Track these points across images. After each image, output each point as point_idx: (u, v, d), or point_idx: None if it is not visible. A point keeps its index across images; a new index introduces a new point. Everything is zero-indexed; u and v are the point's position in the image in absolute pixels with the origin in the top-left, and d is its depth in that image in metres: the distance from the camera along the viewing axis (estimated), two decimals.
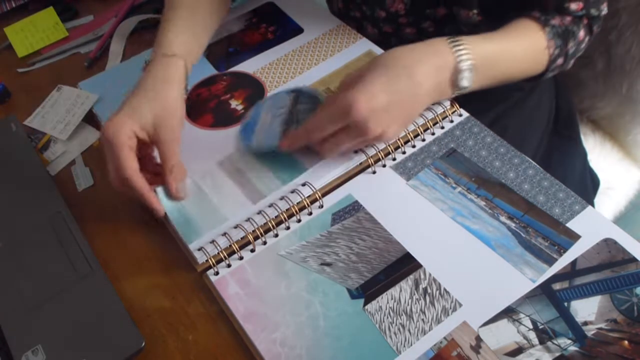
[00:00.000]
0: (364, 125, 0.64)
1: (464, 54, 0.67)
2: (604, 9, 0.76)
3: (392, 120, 0.66)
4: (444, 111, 0.73)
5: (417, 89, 0.66)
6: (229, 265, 0.63)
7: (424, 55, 0.67)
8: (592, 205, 0.64)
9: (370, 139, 0.66)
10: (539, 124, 0.95)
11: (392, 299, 0.59)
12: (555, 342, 0.55)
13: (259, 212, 0.66)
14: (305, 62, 0.83)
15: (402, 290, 0.60)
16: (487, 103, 0.89)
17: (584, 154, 0.99)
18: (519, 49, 0.73)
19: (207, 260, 0.64)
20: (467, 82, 0.68)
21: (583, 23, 0.75)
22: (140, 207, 0.68)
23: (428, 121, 0.72)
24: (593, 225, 0.62)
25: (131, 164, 0.64)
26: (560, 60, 0.76)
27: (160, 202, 0.67)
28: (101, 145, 0.66)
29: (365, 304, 0.59)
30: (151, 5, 0.99)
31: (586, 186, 0.97)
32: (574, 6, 0.73)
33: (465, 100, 0.74)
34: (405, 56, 0.67)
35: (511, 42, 0.73)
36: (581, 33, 0.75)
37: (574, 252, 0.60)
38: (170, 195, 0.67)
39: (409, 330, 0.57)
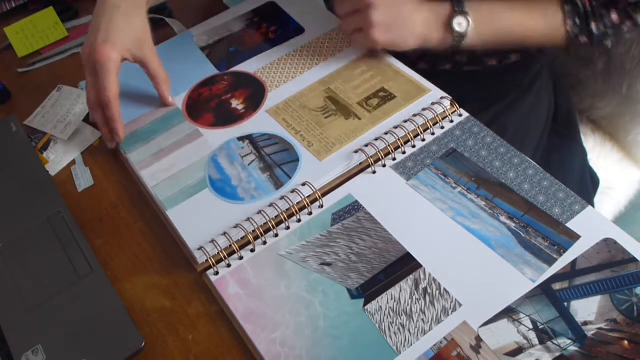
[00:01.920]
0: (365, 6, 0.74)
1: (462, 4, 0.75)
2: None
3: (383, 20, 0.74)
4: (444, 111, 0.73)
5: (414, 12, 0.76)
6: (229, 265, 0.63)
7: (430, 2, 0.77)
8: (592, 204, 0.64)
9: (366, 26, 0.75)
10: (538, 123, 0.95)
11: (392, 299, 0.59)
12: (555, 342, 0.55)
13: (259, 212, 0.66)
14: (307, 62, 0.83)
15: (402, 290, 0.60)
16: (485, 102, 0.89)
17: (583, 154, 0.99)
18: (531, 14, 0.77)
19: (207, 260, 0.64)
20: (461, 27, 0.75)
21: (618, 7, 0.76)
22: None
23: (428, 121, 0.72)
24: (593, 225, 0.62)
25: (116, 88, 0.72)
26: (583, 39, 0.77)
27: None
28: (86, 65, 0.73)
29: (365, 304, 0.59)
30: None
31: (586, 186, 0.97)
32: None
33: (464, 98, 0.74)
34: None
35: (523, 6, 0.77)
36: (614, 16, 0.76)
37: (574, 252, 0.60)
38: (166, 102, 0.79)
39: (409, 330, 0.57)
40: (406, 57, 0.81)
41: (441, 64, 0.90)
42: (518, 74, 0.92)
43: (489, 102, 0.90)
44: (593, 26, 0.76)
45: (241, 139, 0.75)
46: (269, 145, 0.73)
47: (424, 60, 0.90)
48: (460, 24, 0.75)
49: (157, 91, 0.79)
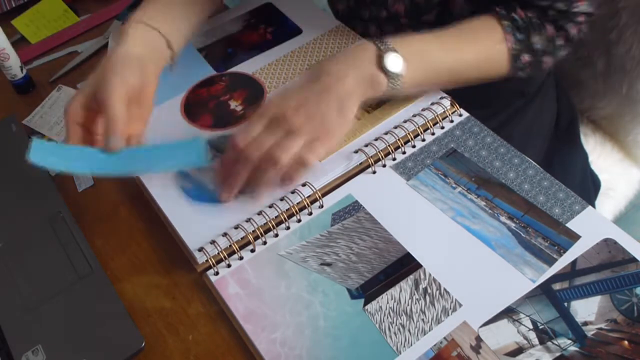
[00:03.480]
0: (281, 116, 0.63)
1: (388, 42, 0.67)
2: (581, 6, 0.71)
3: (313, 111, 0.64)
4: (444, 111, 0.73)
5: (337, 81, 0.65)
6: (229, 265, 0.63)
7: (347, 52, 0.68)
8: (593, 207, 0.64)
9: (297, 129, 0.63)
10: (541, 131, 0.95)
11: (392, 299, 0.59)
12: (555, 342, 0.55)
13: (259, 212, 0.66)
14: (304, 62, 0.83)
15: (402, 290, 0.60)
16: (489, 110, 0.89)
17: (584, 157, 0.99)
18: (465, 43, 0.71)
19: (207, 260, 0.64)
20: (395, 66, 0.66)
21: (548, 18, 0.71)
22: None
23: (428, 121, 0.72)
24: (593, 225, 0.62)
25: (72, 137, 0.66)
26: (527, 57, 0.72)
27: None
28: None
29: (365, 304, 0.59)
30: None
31: (587, 189, 0.97)
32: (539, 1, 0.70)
33: (466, 107, 0.74)
34: (328, 60, 0.67)
35: (459, 35, 0.71)
36: (549, 28, 0.71)
37: (574, 252, 0.60)
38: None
39: (409, 330, 0.57)
40: None
41: None
42: (523, 83, 0.91)
43: (495, 110, 0.89)
44: (535, 39, 0.71)
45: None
46: (223, 143, 0.73)
47: None
48: (392, 63, 0.66)
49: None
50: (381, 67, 0.66)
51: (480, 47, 0.72)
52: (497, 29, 0.71)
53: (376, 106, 0.75)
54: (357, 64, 0.66)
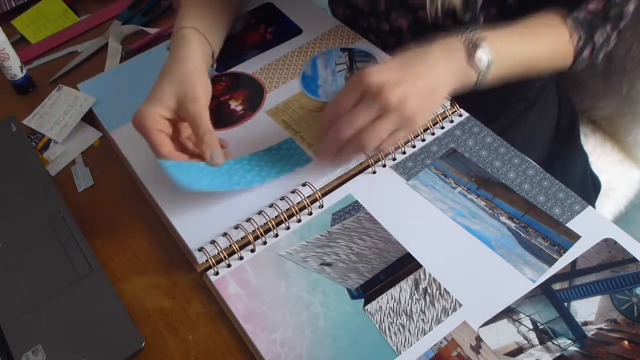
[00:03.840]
0: (377, 90, 0.62)
1: (475, 33, 0.68)
2: (629, 10, 0.75)
3: (409, 91, 0.63)
4: (444, 111, 0.73)
5: (431, 70, 0.66)
6: (229, 265, 0.63)
7: (436, 45, 0.68)
8: (593, 207, 0.64)
9: (391, 109, 0.62)
10: (542, 135, 0.95)
11: (392, 299, 0.59)
12: (555, 342, 0.55)
13: (259, 212, 0.66)
14: (305, 62, 0.83)
15: (402, 290, 0.60)
16: (490, 115, 0.89)
17: (585, 159, 0.99)
18: (541, 38, 0.74)
19: (207, 260, 0.64)
20: (485, 55, 0.67)
21: (608, 18, 0.75)
22: None
23: (428, 121, 0.72)
24: (593, 225, 0.62)
25: (163, 144, 0.66)
26: (587, 52, 0.75)
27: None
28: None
29: (365, 304, 0.59)
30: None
31: (587, 191, 0.97)
32: (591, 6, 0.73)
33: (468, 112, 0.74)
34: (417, 49, 0.67)
35: (532, 29, 0.73)
36: (608, 28, 0.75)
37: (574, 252, 0.60)
38: (209, 162, 0.67)
39: (409, 330, 0.57)
40: None
41: None
42: (524, 88, 0.91)
43: (496, 115, 0.89)
44: (596, 36, 0.75)
45: (343, 50, 0.83)
46: (362, 61, 0.81)
47: None
48: (480, 59, 0.67)
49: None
50: (471, 62, 0.67)
51: (552, 42, 0.75)
52: (563, 27, 0.74)
53: None
54: (450, 58, 0.67)
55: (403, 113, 0.63)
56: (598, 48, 0.76)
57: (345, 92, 0.65)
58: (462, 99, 0.74)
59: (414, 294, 0.59)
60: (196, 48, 0.72)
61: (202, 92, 0.68)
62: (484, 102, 0.75)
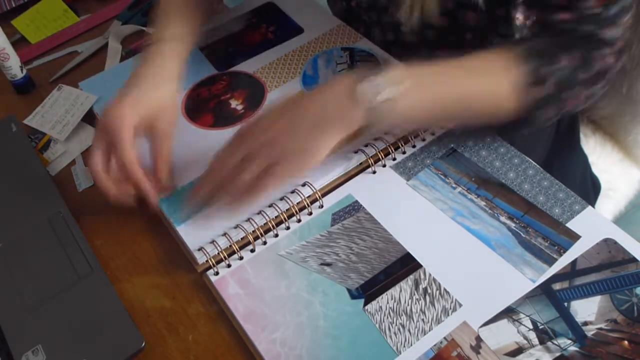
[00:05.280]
0: (250, 130, 0.63)
1: (372, 75, 0.60)
2: (614, 32, 0.61)
3: (280, 121, 0.62)
4: None
5: (312, 98, 0.62)
6: (229, 265, 0.63)
7: (326, 84, 0.63)
8: (593, 207, 0.64)
9: (261, 142, 0.61)
10: (542, 136, 0.95)
11: (392, 299, 0.59)
12: (555, 342, 0.55)
13: (259, 212, 0.66)
14: (306, 62, 0.83)
15: (402, 290, 0.60)
16: None
17: (584, 160, 0.99)
18: (470, 70, 0.63)
19: (207, 261, 0.64)
20: (387, 92, 0.59)
21: (577, 40, 0.62)
22: (135, 200, 0.68)
23: None
24: (593, 225, 0.62)
25: (132, 150, 0.65)
26: (540, 90, 0.61)
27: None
28: (97, 132, 0.67)
29: (365, 304, 0.59)
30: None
31: (587, 192, 0.97)
32: (562, 16, 0.61)
33: None
34: (312, 92, 0.63)
35: (460, 63, 0.62)
36: (575, 55, 0.61)
37: (574, 252, 0.60)
38: (162, 189, 0.68)
39: (409, 330, 0.57)
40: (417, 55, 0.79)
41: None
42: None
43: None
44: (553, 67, 0.61)
45: (344, 49, 0.83)
46: (363, 60, 0.81)
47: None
48: (378, 87, 0.59)
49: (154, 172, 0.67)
50: (354, 97, 0.59)
51: (483, 79, 0.63)
52: (505, 58, 0.62)
53: None
54: (333, 95, 0.61)
55: (270, 153, 0.61)
56: (557, 82, 0.61)
57: (225, 143, 0.65)
58: None
59: (414, 294, 0.59)
60: (178, 65, 0.72)
61: (175, 118, 0.70)
62: None
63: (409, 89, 0.60)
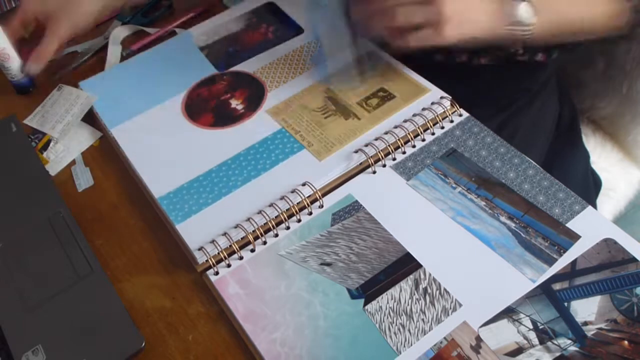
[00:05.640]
0: None
1: None
2: None
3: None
4: (444, 111, 0.73)
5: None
6: (229, 265, 0.63)
7: None
8: (594, 207, 0.64)
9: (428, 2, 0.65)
10: (544, 128, 0.95)
11: (392, 299, 0.59)
12: (555, 342, 0.55)
13: (259, 212, 0.66)
14: (306, 62, 0.83)
15: (402, 290, 0.60)
16: (494, 107, 0.89)
17: (586, 157, 0.99)
18: None
19: (207, 260, 0.64)
20: (527, 13, 0.68)
21: None
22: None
23: (428, 121, 0.72)
24: (593, 225, 0.62)
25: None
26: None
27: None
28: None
29: (365, 304, 0.59)
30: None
31: (588, 190, 0.97)
32: None
33: (471, 104, 0.74)
34: None
35: None
36: None
37: (574, 252, 0.60)
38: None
39: (409, 330, 0.57)
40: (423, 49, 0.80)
41: (458, 55, 0.86)
42: (528, 79, 0.91)
43: (499, 107, 0.89)
44: None
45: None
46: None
47: (439, 52, 0.86)
48: (526, 10, 0.68)
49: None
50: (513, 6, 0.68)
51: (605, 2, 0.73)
52: None
53: (376, 106, 0.75)
54: None
55: (436, 8, 0.65)
56: None
57: None
58: (466, 90, 0.74)
59: (414, 294, 0.59)
60: None
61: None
62: (487, 94, 0.75)
63: (542, 13, 0.68)
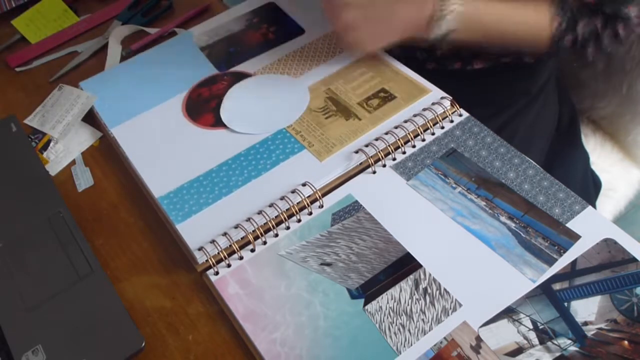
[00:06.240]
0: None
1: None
2: (630, 12, 0.73)
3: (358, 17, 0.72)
4: (444, 111, 0.73)
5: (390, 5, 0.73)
6: (229, 265, 0.63)
7: None
8: (594, 207, 0.64)
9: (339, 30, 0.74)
10: (544, 130, 0.95)
11: (392, 299, 0.59)
12: (555, 342, 0.55)
13: (259, 212, 0.66)
14: (307, 62, 0.83)
15: (402, 290, 0.60)
16: (493, 109, 0.89)
17: (585, 158, 0.99)
18: (519, 7, 0.75)
19: (207, 260, 0.64)
20: (450, 5, 0.72)
21: (598, 14, 0.74)
22: None
23: (428, 121, 0.72)
24: (593, 225, 0.62)
25: None
26: (568, 39, 0.75)
27: None
28: None
29: (365, 304, 0.59)
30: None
31: (588, 190, 0.97)
32: None
33: (471, 105, 0.74)
34: None
35: (514, 2, 0.75)
36: (599, 23, 0.74)
37: (574, 252, 0.60)
38: None
39: (409, 330, 0.57)
40: (415, 58, 0.81)
41: (450, 63, 0.88)
42: (526, 81, 0.91)
43: (498, 109, 0.89)
44: (580, 25, 0.75)
45: None
46: None
47: (433, 60, 0.89)
48: (444, 9, 0.72)
49: None
50: (434, 8, 0.72)
51: (531, 16, 0.76)
52: (546, 8, 0.75)
53: (377, 106, 0.75)
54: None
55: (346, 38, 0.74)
56: (582, 40, 0.76)
57: None
58: (465, 92, 0.74)
59: (414, 294, 0.59)
60: None
61: None
62: (487, 96, 0.75)
63: (465, 17, 0.73)
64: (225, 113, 0.76)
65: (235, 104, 0.77)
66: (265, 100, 0.77)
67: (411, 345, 0.56)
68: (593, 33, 0.75)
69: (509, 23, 0.76)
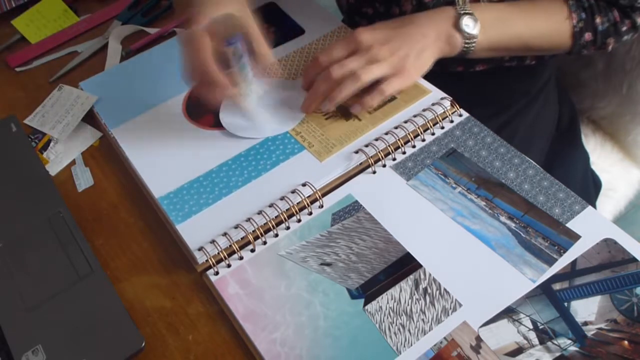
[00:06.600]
0: (367, 46, 0.70)
1: (465, 6, 0.74)
2: None
3: (400, 46, 0.71)
4: (444, 111, 0.73)
5: (419, 29, 0.73)
6: (229, 265, 0.63)
7: (429, 12, 0.75)
8: (594, 207, 0.64)
9: (381, 59, 0.70)
10: (544, 130, 0.95)
11: (392, 299, 0.59)
12: (555, 342, 0.55)
13: (259, 212, 0.66)
14: (307, 63, 0.83)
15: (402, 290, 0.60)
16: (493, 109, 0.89)
17: (586, 158, 0.99)
18: (536, 14, 0.77)
19: (207, 260, 0.64)
20: (470, 27, 0.73)
21: (616, 5, 0.76)
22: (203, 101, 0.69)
23: (428, 121, 0.72)
24: (593, 225, 0.62)
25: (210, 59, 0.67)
26: (588, 36, 0.77)
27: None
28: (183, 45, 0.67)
29: (365, 304, 0.59)
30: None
31: (588, 190, 0.97)
32: None
33: (471, 105, 0.74)
34: (412, 15, 0.75)
35: (529, 5, 0.77)
36: (616, 14, 0.76)
37: (574, 252, 0.60)
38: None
39: (409, 330, 0.57)
40: None
41: (452, 66, 0.89)
42: (527, 81, 0.91)
43: (498, 109, 0.89)
44: (598, 20, 0.76)
45: None
46: None
47: (435, 63, 0.89)
48: (467, 24, 0.73)
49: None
50: (457, 27, 0.73)
51: (549, 20, 0.77)
52: (563, 7, 0.77)
53: (377, 107, 0.75)
54: (437, 21, 0.74)
55: (394, 64, 0.70)
56: (602, 33, 0.77)
57: (336, 46, 0.72)
58: (465, 92, 0.74)
59: (414, 294, 0.59)
60: None
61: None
62: (487, 96, 0.75)
63: (487, 26, 0.74)
64: (225, 117, 0.76)
65: (235, 107, 0.77)
66: (265, 103, 0.77)
67: (411, 345, 0.56)
68: (612, 25, 0.76)
69: (532, 37, 0.78)
